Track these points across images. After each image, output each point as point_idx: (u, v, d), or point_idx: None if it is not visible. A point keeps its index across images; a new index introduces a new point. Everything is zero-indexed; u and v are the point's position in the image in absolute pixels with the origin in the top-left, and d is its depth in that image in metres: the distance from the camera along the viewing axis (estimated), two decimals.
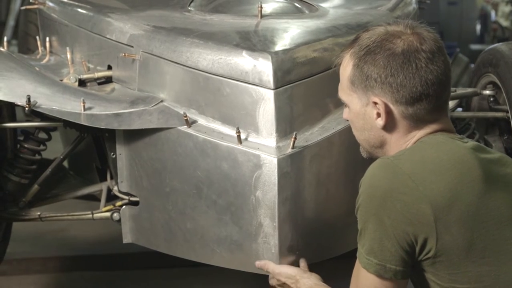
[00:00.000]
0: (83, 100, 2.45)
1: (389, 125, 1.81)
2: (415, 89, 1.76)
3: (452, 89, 2.87)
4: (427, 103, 1.78)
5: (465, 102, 3.12)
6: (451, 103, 2.84)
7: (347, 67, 1.85)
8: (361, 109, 1.84)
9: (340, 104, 2.17)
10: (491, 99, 2.94)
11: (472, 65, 4.56)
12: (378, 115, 1.81)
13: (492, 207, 1.73)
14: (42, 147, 2.81)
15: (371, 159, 1.89)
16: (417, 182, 1.69)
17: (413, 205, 1.69)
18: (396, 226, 1.69)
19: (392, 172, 1.72)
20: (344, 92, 1.87)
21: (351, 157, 2.29)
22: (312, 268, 2.23)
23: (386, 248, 1.71)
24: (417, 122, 1.80)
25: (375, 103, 1.80)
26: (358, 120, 1.86)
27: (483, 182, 1.72)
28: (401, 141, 1.83)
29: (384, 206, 1.70)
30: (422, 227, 1.69)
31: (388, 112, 1.80)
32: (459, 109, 2.98)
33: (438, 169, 1.71)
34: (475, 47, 9.66)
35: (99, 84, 2.73)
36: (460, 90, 2.93)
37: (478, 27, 11.28)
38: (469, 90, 2.96)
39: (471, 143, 1.81)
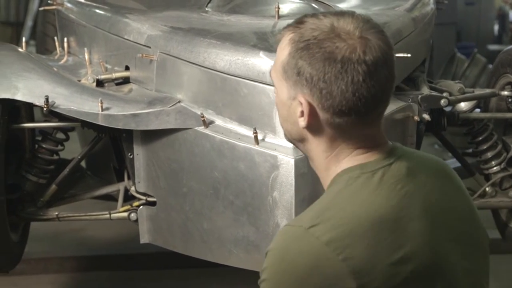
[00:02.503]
0: (101, 101, 2.46)
1: (312, 128, 1.64)
2: (344, 103, 1.58)
3: (470, 89, 2.86)
4: (355, 118, 1.61)
5: (483, 103, 3.10)
6: (470, 104, 2.83)
7: (283, 50, 1.65)
8: (287, 101, 1.66)
9: None
10: (510, 100, 2.92)
11: (490, 66, 4.54)
12: (302, 114, 1.63)
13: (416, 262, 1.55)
14: (60, 147, 2.81)
15: None
16: (336, 251, 1.52)
17: (335, 279, 1.51)
18: None
19: (308, 244, 1.53)
20: (276, 74, 1.68)
21: None
22: None
23: None
24: (342, 133, 1.63)
25: (301, 102, 1.62)
26: (283, 109, 1.69)
27: (404, 236, 1.55)
28: (322, 148, 1.67)
29: (302, 284, 1.52)
30: None
31: (312, 115, 1.62)
32: (477, 110, 2.96)
33: (356, 230, 1.54)
34: (493, 47, 9.58)
35: (117, 84, 2.74)
36: (478, 91, 2.91)
37: (496, 28, 11.19)
38: (487, 91, 2.94)
39: (389, 174, 1.62)
